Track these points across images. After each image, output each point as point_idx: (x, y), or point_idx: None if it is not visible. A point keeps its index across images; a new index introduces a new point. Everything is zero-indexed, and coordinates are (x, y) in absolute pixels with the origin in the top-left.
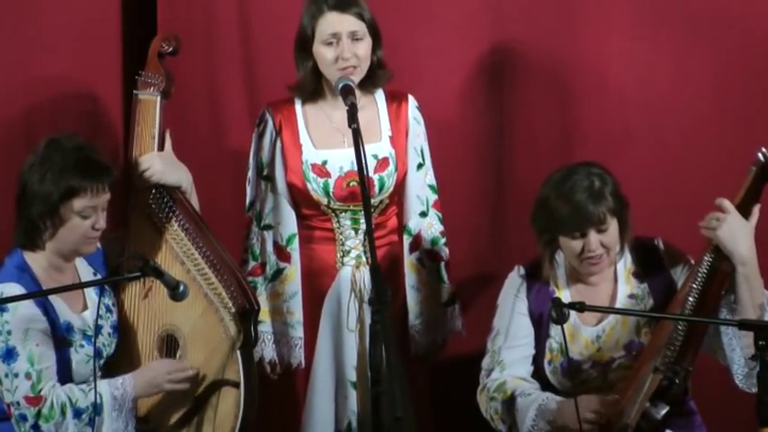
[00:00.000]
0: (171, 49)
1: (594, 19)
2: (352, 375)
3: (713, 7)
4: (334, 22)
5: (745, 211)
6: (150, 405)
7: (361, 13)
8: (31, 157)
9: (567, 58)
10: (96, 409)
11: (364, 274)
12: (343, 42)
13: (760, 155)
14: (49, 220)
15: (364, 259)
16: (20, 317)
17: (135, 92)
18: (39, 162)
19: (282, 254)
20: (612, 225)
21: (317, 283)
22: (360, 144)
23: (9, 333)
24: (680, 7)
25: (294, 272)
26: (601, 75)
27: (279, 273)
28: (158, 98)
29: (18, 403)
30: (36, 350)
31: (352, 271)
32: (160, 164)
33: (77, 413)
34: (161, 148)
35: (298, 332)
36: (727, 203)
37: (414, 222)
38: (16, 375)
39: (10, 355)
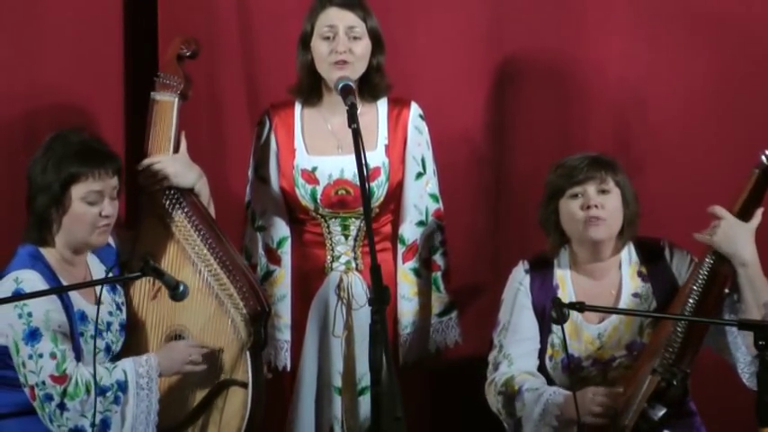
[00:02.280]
0: (190, 52)
1: (594, 19)
2: (336, 381)
3: (713, 7)
4: (334, 17)
5: (747, 214)
6: None
7: (364, 15)
8: (37, 152)
9: (567, 59)
10: (121, 386)
11: (353, 280)
12: (339, 37)
13: (763, 158)
14: (54, 211)
15: (354, 265)
16: (38, 300)
17: (152, 93)
18: (41, 156)
19: (273, 256)
20: (615, 193)
21: (307, 285)
22: (360, 144)
23: (30, 315)
24: (680, 7)
25: (284, 275)
26: (601, 74)
27: (268, 275)
28: (176, 100)
29: (43, 383)
30: (58, 330)
31: (341, 276)
32: (174, 166)
33: (102, 391)
34: (176, 149)
35: (285, 335)
36: (719, 209)
37: (409, 232)
38: (41, 356)
39: (33, 336)
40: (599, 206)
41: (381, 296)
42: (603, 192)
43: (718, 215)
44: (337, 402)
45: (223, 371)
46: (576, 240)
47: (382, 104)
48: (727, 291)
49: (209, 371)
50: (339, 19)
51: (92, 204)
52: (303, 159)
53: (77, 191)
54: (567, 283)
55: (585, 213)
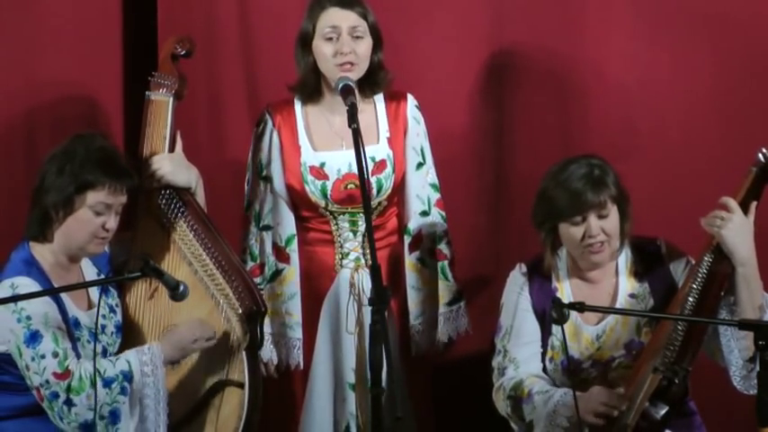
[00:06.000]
0: (184, 51)
1: (594, 18)
2: (350, 378)
3: (713, 7)
4: (335, 17)
5: (745, 212)
6: None
7: (365, 13)
8: (54, 150)
9: (567, 58)
10: (126, 376)
11: (363, 277)
12: (342, 37)
13: (760, 155)
14: (61, 210)
15: (363, 261)
16: (36, 303)
17: (147, 93)
18: (60, 154)
19: (281, 255)
20: (613, 212)
21: (315, 285)
22: (360, 144)
23: (29, 318)
24: (680, 7)
25: (293, 273)
26: (601, 74)
27: (278, 273)
28: (171, 99)
29: (48, 382)
30: (58, 332)
31: (351, 273)
32: (170, 165)
33: (107, 383)
34: (172, 149)
35: (296, 333)
36: (732, 203)
37: (414, 222)
38: (43, 357)
39: (34, 338)
40: (600, 233)
41: (381, 296)
42: (604, 216)
43: (731, 208)
44: (352, 399)
45: (220, 370)
46: (577, 257)
47: (379, 99)
48: (722, 293)
49: (205, 371)
50: (341, 19)
51: (98, 215)
52: (310, 156)
53: (90, 198)
54: (564, 286)
55: (588, 240)
